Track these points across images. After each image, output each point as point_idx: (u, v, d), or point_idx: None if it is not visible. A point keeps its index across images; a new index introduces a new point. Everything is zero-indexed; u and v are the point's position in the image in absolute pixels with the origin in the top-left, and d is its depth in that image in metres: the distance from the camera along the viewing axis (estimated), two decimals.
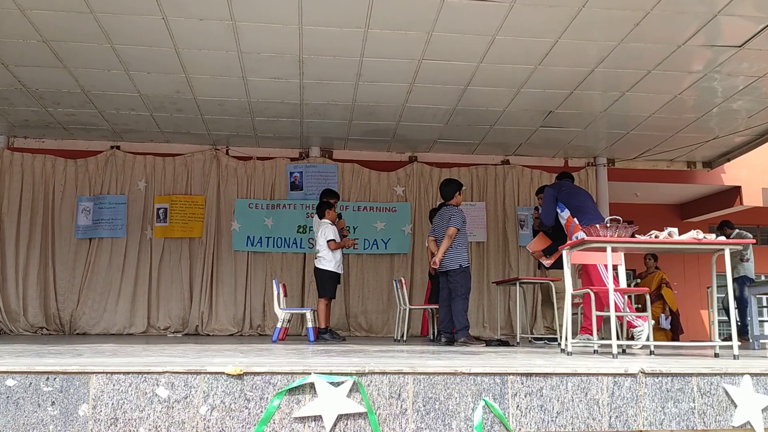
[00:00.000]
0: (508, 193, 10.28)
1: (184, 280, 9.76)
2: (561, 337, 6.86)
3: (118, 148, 9.99)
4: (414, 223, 10.05)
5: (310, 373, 2.62)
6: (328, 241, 7.08)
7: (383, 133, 9.70)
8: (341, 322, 9.79)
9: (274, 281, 7.23)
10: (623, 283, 5.15)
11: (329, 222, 7.26)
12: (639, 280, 10.12)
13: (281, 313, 7.08)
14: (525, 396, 2.65)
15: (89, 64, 7.47)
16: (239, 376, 2.61)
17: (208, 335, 9.42)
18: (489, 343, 6.37)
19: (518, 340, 6.69)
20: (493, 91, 8.18)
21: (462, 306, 6.23)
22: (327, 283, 7.12)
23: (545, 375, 2.69)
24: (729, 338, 9.78)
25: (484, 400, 2.62)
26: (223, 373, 2.60)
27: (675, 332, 9.46)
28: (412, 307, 7.12)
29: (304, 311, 7.03)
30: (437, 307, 7.13)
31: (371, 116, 9.05)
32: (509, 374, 2.67)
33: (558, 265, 7.15)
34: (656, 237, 4.30)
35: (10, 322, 9.31)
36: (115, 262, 9.67)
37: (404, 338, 7.19)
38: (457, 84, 8.00)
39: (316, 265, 7.24)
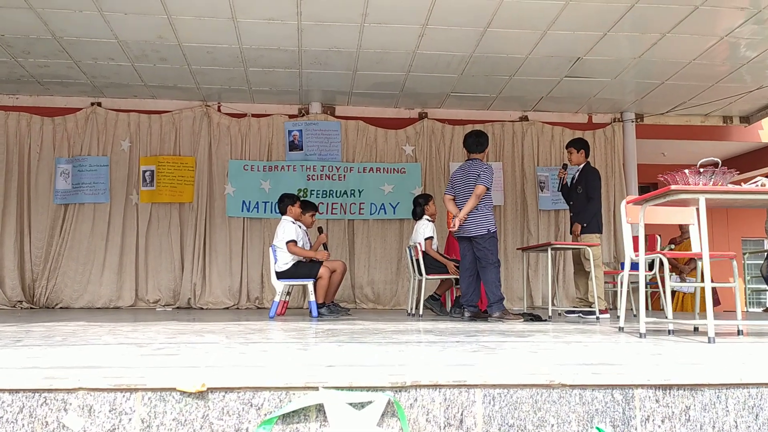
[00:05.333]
0: (527, 152, 9.16)
1: (174, 249, 8.69)
2: (596, 309, 5.86)
3: (99, 104, 8.83)
4: (425, 186, 8.93)
5: (317, 388, 1.56)
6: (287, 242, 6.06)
7: (391, 86, 8.55)
8: (346, 293, 8.76)
9: (271, 248, 6.16)
10: (696, 249, 4.08)
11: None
12: (673, 246, 9.08)
13: (279, 285, 6.03)
14: (662, 421, 1.60)
15: (57, 3, 6.30)
16: (200, 395, 1.55)
17: (202, 309, 8.39)
18: (525, 317, 5.33)
19: (550, 315, 5.66)
20: (516, 35, 7.02)
21: (495, 275, 5.19)
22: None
23: (693, 387, 1.63)
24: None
25: (598, 429, 1.57)
26: (174, 389, 1.55)
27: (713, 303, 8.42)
28: (430, 277, 6.08)
29: (305, 282, 5.99)
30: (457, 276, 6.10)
31: (378, 66, 7.89)
32: (635, 386, 1.62)
33: (592, 229, 6.11)
34: (763, 185, 3.23)
35: None
36: (99, 229, 8.58)
37: (420, 312, 6.15)
38: (476, 26, 6.84)
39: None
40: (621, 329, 4.00)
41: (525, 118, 9.24)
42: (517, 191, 9.07)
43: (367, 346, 2.78)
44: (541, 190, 9.05)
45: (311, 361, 1.98)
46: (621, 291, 3.97)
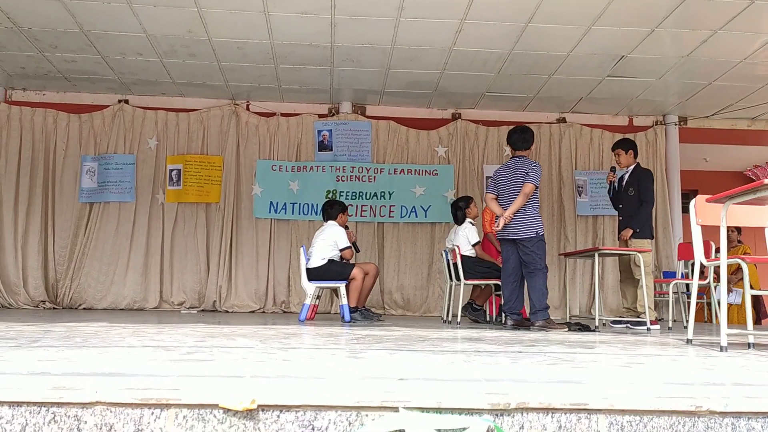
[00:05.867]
0: (564, 155, 8.75)
1: (200, 250, 8.41)
2: (647, 319, 5.45)
3: (126, 102, 8.61)
4: (458, 188, 8.56)
5: (397, 409, 1.21)
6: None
7: (424, 86, 8.21)
8: (375, 298, 8.40)
9: (302, 249, 5.84)
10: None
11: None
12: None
13: (310, 288, 5.70)
14: None
15: None
16: (250, 414, 1.21)
17: (227, 312, 8.10)
18: (570, 327, 4.94)
19: (596, 324, 5.25)
20: (559, 30, 6.65)
21: (542, 282, 4.81)
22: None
23: None
24: None
25: None
26: (216, 406, 1.21)
27: (758, 314, 7.96)
28: (469, 282, 5.70)
29: (337, 284, 5.66)
30: (499, 282, 5.72)
31: (412, 63, 7.56)
32: None
33: (644, 234, 5.69)
34: None
35: (9, 295, 8.04)
36: (123, 229, 8.33)
37: (457, 320, 5.77)
38: (516, 21, 6.49)
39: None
40: (689, 341, 3.60)
41: (563, 120, 8.84)
42: (553, 196, 8.66)
43: (422, 355, 2.43)
44: (579, 195, 8.63)
45: (374, 373, 1.64)
46: (691, 300, 3.56)
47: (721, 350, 2.99)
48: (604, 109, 8.75)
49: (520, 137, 5.11)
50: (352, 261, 6.30)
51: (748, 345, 3.23)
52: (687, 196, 10.15)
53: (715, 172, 10.58)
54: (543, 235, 4.99)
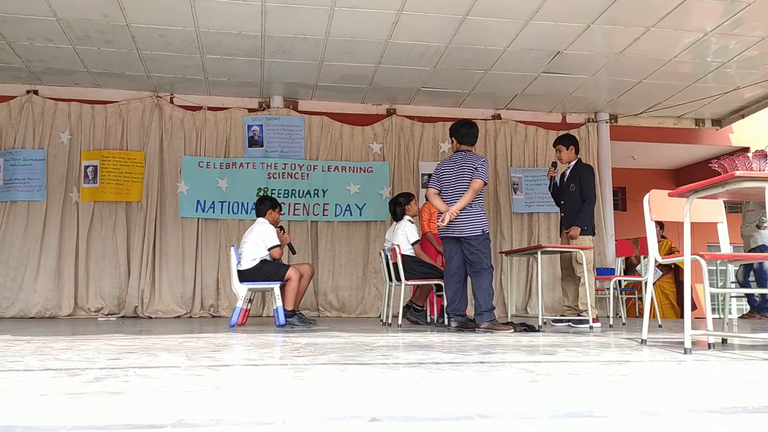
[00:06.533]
0: (500, 152, 8.62)
1: (119, 253, 7.76)
2: (590, 317, 5.32)
3: (35, 92, 7.85)
4: (393, 186, 8.27)
5: None
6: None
7: (359, 80, 7.87)
8: (308, 300, 8.01)
9: (232, 249, 5.37)
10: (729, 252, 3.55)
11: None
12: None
13: (242, 290, 5.25)
14: None
15: None
16: None
17: (150, 318, 7.50)
18: (515, 329, 4.71)
19: (540, 324, 5.06)
20: (497, 24, 6.47)
21: (488, 281, 4.56)
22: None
23: None
24: (746, 315, 8.47)
25: None
26: None
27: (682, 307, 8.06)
28: (410, 282, 5.40)
29: (271, 286, 5.24)
30: (441, 282, 5.46)
31: (347, 56, 7.21)
32: None
33: (586, 231, 5.56)
34: None
35: None
36: (33, 230, 7.58)
37: (398, 322, 5.45)
38: (455, 13, 6.26)
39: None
40: (643, 342, 3.43)
41: (498, 117, 8.71)
42: (489, 193, 8.51)
43: (377, 371, 2.10)
44: (515, 192, 8.52)
45: (333, 409, 1.29)
46: (645, 297, 3.38)
47: (686, 353, 2.81)
48: (539, 106, 8.68)
49: (469, 131, 4.86)
50: (287, 262, 5.91)
51: (709, 345, 3.07)
52: (616, 194, 10.29)
53: (642, 170, 10.78)
54: (488, 233, 4.76)
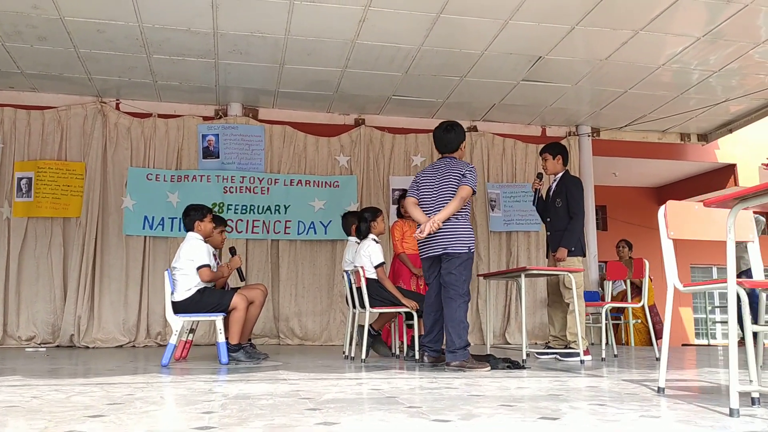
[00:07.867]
0: (477, 167, 7.66)
1: (55, 274, 6.84)
2: (581, 349, 4.58)
3: None
4: (361, 201, 7.49)
5: None
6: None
7: (324, 86, 7.12)
8: (268, 326, 7.17)
9: (166, 273, 4.50)
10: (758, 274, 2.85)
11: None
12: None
13: (177, 322, 4.38)
14: None
15: None
16: None
17: (87, 347, 6.58)
18: (495, 365, 3.93)
19: (524, 358, 4.29)
20: (473, 24, 5.79)
21: (463, 312, 3.76)
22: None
23: None
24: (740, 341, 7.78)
25: None
26: None
27: (657, 333, 7.26)
28: (374, 310, 4.61)
29: (212, 318, 4.39)
30: (410, 311, 4.68)
31: (309, 58, 6.47)
32: None
33: (573, 253, 4.83)
34: None
35: None
36: None
37: (363, 356, 4.62)
38: (428, 10, 5.57)
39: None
40: (660, 390, 2.67)
41: (474, 129, 8.02)
42: None
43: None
44: (492, 210, 7.79)
45: None
46: (664, 330, 2.65)
47: (732, 414, 2.06)
48: (517, 117, 8.01)
49: (449, 136, 4.14)
50: (237, 285, 5.07)
51: (752, 401, 2.33)
52: (597, 213, 9.63)
53: (622, 188, 10.15)
54: (473, 254, 4.00)
